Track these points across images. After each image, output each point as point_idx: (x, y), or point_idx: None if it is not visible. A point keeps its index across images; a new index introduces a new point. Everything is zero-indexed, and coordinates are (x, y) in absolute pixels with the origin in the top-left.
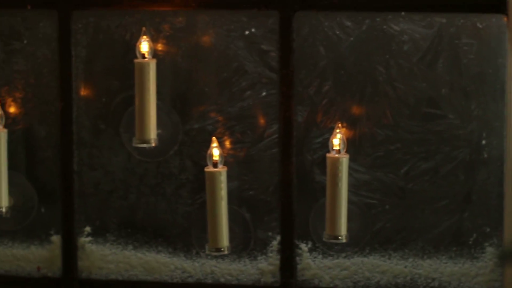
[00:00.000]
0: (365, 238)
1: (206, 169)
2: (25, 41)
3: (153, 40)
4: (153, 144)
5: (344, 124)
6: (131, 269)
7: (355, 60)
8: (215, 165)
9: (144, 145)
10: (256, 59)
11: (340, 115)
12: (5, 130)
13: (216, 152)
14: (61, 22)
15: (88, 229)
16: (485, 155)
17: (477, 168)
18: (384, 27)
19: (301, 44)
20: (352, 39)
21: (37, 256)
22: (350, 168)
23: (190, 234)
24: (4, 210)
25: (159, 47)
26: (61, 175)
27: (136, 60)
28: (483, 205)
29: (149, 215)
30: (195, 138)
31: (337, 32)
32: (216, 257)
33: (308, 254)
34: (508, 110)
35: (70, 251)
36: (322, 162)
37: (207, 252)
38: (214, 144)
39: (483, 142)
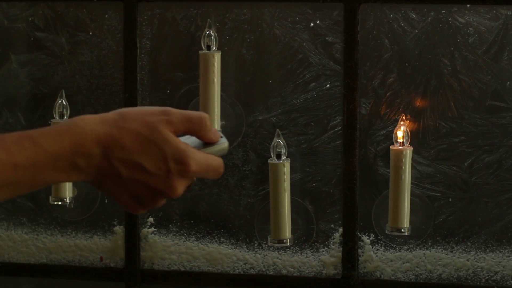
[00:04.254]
0: (428, 231)
1: (270, 161)
2: (90, 33)
3: (218, 31)
4: None
5: (408, 117)
6: (193, 260)
7: (420, 53)
8: (278, 156)
9: None
10: (321, 51)
11: (404, 107)
12: None
13: (279, 144)
14: (126, 14)
15: (151, 220)
16: None
17: None
18: (449, 19)
19: (365, 36)
20: (417, 31)
21: (100, 246)
22: (413, 160)
23: (253, 226)
24: (68, 200)
25: (224, 38)
26: None
27: (201, 52)
28: None
29: (212, 206)
30: (259, 130)
31: (402, 24)
32: (278, 248)
33: (370, 246)
34: None
35: (133, 241)
36: (385, 154)
37: (269, 243)
38: (278, 135)
39: None
